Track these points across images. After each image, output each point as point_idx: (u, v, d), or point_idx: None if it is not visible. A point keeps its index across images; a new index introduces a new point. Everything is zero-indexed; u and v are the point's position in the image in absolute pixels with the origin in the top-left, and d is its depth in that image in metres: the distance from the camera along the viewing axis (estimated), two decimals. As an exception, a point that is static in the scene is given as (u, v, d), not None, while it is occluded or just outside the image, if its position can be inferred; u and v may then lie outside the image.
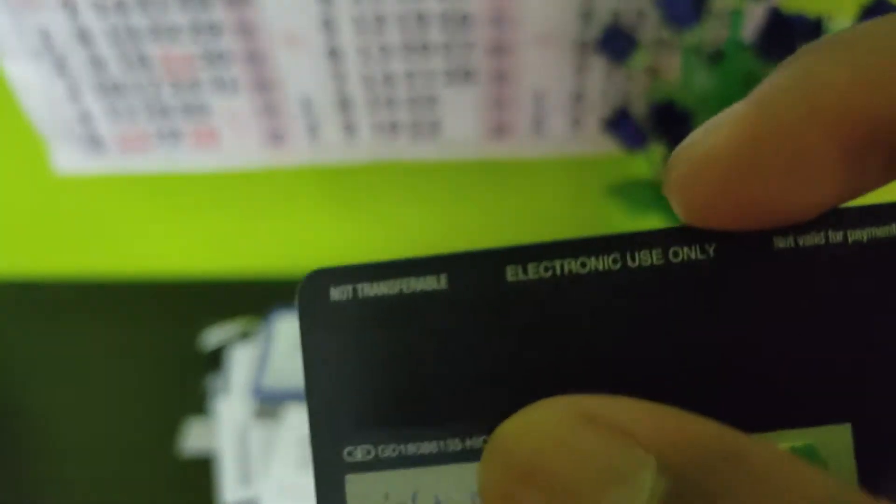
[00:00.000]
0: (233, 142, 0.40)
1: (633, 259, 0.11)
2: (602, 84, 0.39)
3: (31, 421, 0.46)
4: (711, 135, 0.11)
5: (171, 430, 0.45)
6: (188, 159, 0.41)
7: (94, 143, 0.40)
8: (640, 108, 0.39)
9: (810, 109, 0.10)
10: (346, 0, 0.35)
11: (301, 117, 0.40)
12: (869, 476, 0.11)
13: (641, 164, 0.43)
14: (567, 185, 0.44)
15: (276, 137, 0.40)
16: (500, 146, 0.41)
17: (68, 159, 0.41)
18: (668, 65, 0.38)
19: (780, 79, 0.10)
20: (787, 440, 0.11)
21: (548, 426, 0.09)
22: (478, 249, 0.12)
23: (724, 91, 0.36)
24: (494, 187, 0.44)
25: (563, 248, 0.12)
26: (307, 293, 0.12)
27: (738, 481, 0.08)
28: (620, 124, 0.37)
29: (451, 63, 0.38)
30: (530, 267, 0.12)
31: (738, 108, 0.11)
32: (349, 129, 0.40)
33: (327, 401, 0.12)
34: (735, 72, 0.35)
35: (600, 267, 0.11)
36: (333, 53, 0.37)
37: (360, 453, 0.12)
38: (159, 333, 0.47)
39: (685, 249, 0.11)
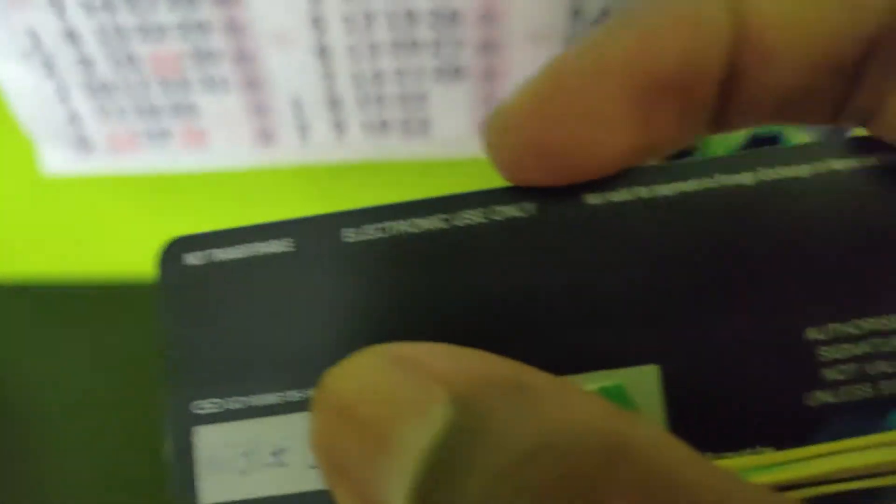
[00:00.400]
0: (222, 141, 0.40)
1: (459, 219, 0.12)
2: (592, 81, 0.39)
3: (19, 421, 0.46)
4: (515, 95, 0.12)
5: (161, 431, 0.45)
6: (177, 159, 0.41)
7: (82, 143, 0.40)
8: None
9: (598, 64, 0.11)
10: (335, -2, 0.35)
11: (291, 116, 0.39)
12: (676, 416, 0.12)
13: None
14: (558, 183, 0.44)
15: (265, 137, 0.40)
16: (490, 144, 0.41)
17: (57, 160, 0.41)
18: (658, 61, 0.38)
19: (576, 43, 0.11)
20: (598, 381, 0.12)
21: (363, 370, 0.10)
22: (318, 214, 0.12)
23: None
24: (485, 185, 0.44)
25: (395, 211, 0.12)
26: (165, 259, 0.13)
27: (517, 406, 0.09)
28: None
29: (440, 60, 0.38)
30: (365, 228, 0.12)
31: (539, 70, 0.12)
32: (339, 127, 0.40)
33: (179, 359, 0.12)
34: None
35: (429, 227, 0.12)
36: (323, 52, 0.37)
37: (207, 406, 0.12)
38: (149, 335, 0.47)
39: (506, 208, 0.12)
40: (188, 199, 0.44)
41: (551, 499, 0.08)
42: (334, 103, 0.39)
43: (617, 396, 0.12)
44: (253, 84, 0.38)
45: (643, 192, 0.12)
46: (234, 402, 0.12)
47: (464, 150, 0.41)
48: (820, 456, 0.11)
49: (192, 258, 0.13)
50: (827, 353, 0.12)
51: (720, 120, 0.12)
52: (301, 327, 0.12)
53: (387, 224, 0.12)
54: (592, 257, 0.12)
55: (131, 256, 0.46)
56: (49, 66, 0.37)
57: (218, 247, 0.13)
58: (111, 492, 0.44)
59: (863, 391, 0.12)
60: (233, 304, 0.12)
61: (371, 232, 0.12)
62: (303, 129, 0.40)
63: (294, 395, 0.12)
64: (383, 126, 0.40)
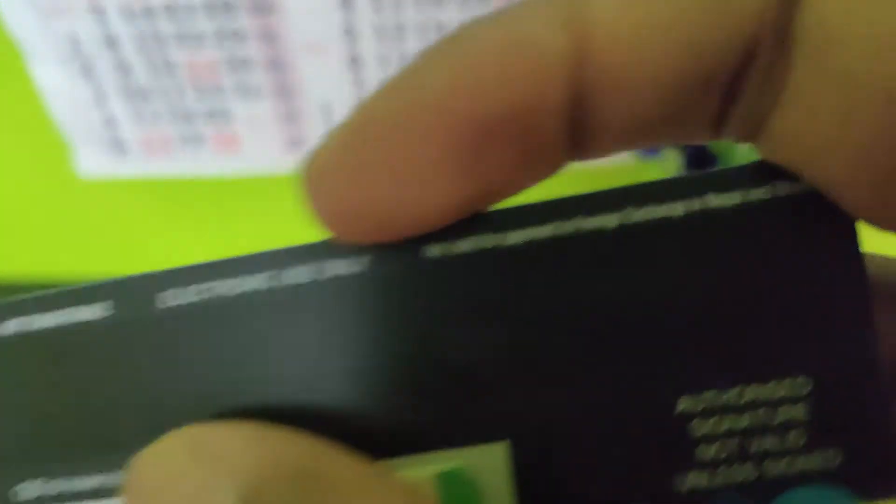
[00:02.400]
0: (254, 147, 0.41)
1: (285, 277, 0.11)
2: (617, 94, 0.39)
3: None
4: (324, 142, 0.10)
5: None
6: (210, 164, 0.42)
7: (117, 146, 0.41)
8: (654, 118, 0.40)
9: (408, 105, 0.09)
10: (368, 9, 0.36)
11: (321, 123, 0.40)
12: (526, 497, 0.11)
13: (655, 174, 0.44)
14: (581, 193, 0.44)
15: (296, 143, 0.41)
16: (515, 154, 0.42)
17: (91, 163, 0.42)
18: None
19: (388, 82, 0.10)
20: (437, 463, 0.11)
21: (164, 457, 0.10)
22: (135, 275, 0.11)
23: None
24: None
25: (216, 270, 0.11)
26: None
27: (308, 494, 0.09)
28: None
29: (469, 72, 0.39)
30: (184, 291, 0.11)
31: (348, 114, 0.10)
32: (368, 135, 0.41)
33: None
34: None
35: (252, 287, 0.11)
36: (354, 61, 0.38)
37: (26, 492, 0.11)
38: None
39: (336, 264, 0.11)
40: (219, 203, 0.45)
41: None
42: (364, 112, 0.40)
43: (456, 482, 0.10)
44: (285, 91, 0.39)
45: (490, 241, 0.11)
46: (54, 487, 0.11)
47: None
48: None
49: (9, 327, 0.11)
50: (702, 427, 0.10)
51: (577, 151, 0.10)
52: (121, 402, 0.11)
53: (208, 284, 0.11)
54: (432, 319, 0.11)
55: (162, 259, 0.47)
56: (88, 70, 0.38)
57: (35, 313, 0.11)
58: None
59: (744, 473, 0.10)
60: (52, 377, 0.11)
61: (191, 294, 0.11)
62: (332, 137, 0.41)
63: (115, 478, 0.11)
64: (411, 135, 0.41)
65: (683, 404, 0.10)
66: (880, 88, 0.08)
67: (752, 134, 0.10)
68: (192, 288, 0.11)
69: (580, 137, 0.10)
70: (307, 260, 0.11)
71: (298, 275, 0.11)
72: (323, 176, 0.10)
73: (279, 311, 0.11)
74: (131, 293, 0.11)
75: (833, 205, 0.10)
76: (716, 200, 0.10)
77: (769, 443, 0.10)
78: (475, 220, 0.11)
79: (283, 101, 0.39)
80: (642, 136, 0.10)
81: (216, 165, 0.42)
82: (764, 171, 0.10)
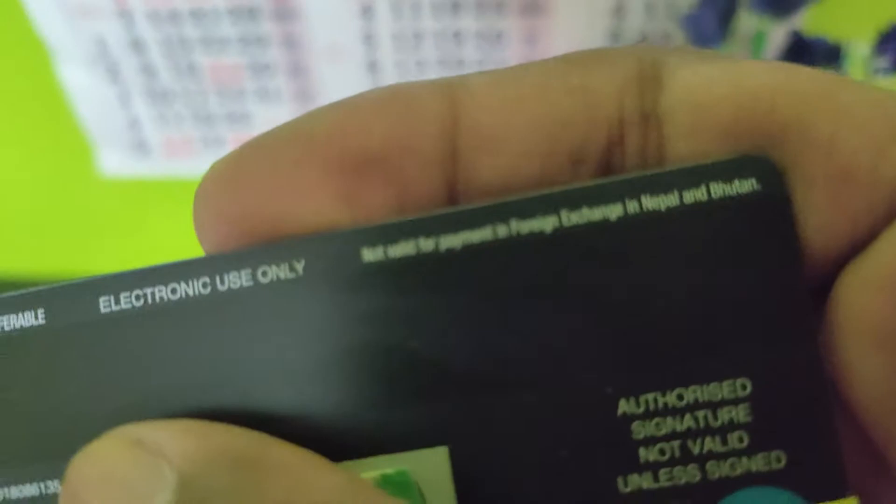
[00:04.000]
0: (273, 149, 0.42)
1: (223, 282, 0.11)
2: (628, 102, 0.40)
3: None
4: (216, 163, 0.11)
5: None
6: (229, 165, 0.43)
7: (140, 147, 0.42)
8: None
9: (298, 135, 0.11)
10: (387, 17, 0.37)
11: (339, 127, 0.41)
12: (469, 499, 0.11)
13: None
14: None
15: (314, 146, 0.42)
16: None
17: (114, 162, 0.43)
18: (692, 85, 0.39)
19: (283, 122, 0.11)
20: (380, 466, 0.11)
21: (103, 455, 0.10)
22: (73, 281, 0.11)
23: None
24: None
25: (154, 275, 0.11)
26: None
27: (240, 484, 0.09)
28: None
29: (484, 79, 0.40)
30: (122, 297, 0.11)
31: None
32: (384, 139, 0.42)
33: None
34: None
35: (190, 292, 0.11)
36: (372, 67, 0.39)
37: None
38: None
39: (273, 268, 0.11)
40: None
41: None
42: (381, 116, 0.41)
43: (398, 484, 0.10)
44: (305, 96, 0.40)
45: (427, 244, 0.11)
46: None
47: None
48: None
49: None
50: (643, 428, 0.10)
51: (453, 200, 0.11)
52: (59, 409, 0.11)
53: (146, 290, 0.11)
54: (369, 324, 0.10)
55: (181, 257, 0.48)
56: (114, 72, 0.39)
57: None
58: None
59: (688, 475, 0.10)
60: None
61: (129, 300, 0.11)
62: (349, 140, 0.42)
63: (54, 485, 0.11)
64: (426, 139, 0.42)
65: (624, 406, 0.10)
66: (730, 133, 0.10)
67: None
68: (131, 293, 0.11)
69: (456, 190, 0.11)
70: (245, 265, 0.11)
71: (236, 280, 0.11)
72: (211, 186, 0.11)
73: (220, 316, 0.11)
74: (67, 300, 0.11)
75: (772, 206, 0.10)
76: (652, 202, 0.10)
77: (711, 445, 0.10)
78: (413, 222, 0.11)
79: (302, 105, 0.40)
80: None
81: (236, 167, 0.43)
82: (702, 173, 0.10)
